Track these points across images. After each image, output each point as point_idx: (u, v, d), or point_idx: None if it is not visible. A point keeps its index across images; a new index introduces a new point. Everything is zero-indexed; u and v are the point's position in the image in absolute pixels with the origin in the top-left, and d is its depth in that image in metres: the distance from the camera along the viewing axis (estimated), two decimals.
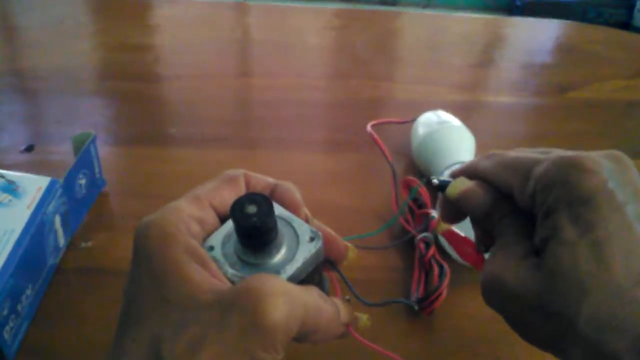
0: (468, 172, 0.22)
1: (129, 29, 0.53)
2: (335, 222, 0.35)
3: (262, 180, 0.19)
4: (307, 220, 0.19)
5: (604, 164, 0.18)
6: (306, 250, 0.17)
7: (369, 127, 0.36)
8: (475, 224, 0.23)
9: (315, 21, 0.58)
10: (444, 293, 0.26)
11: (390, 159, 0.33)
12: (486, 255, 0.24)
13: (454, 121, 0.35)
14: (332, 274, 0.20)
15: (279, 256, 0.17)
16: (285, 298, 0.15)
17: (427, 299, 0.26)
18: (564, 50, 0.56)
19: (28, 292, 0.26)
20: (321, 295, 0.17)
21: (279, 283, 0.15)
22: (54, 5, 0.56)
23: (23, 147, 0.37)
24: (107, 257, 0.30)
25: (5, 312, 0.24)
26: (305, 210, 0.19)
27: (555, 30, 0.59)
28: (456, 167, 0.23)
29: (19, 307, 0.25)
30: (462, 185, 0.21)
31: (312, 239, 0.18)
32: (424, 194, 0.31)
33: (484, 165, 0.21)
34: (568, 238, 0.17)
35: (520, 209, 0.20)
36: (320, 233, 0.18)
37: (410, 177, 0.32)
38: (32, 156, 0.37)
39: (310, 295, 0.17)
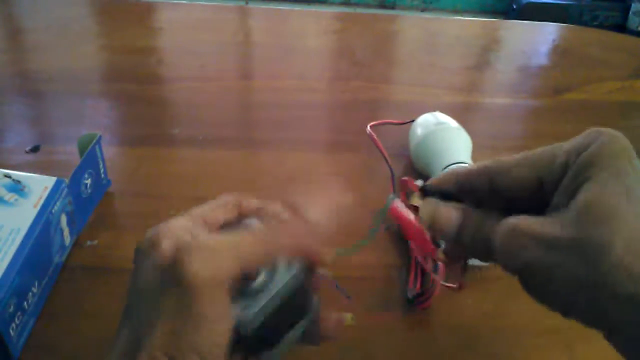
0: (478, 172, 0.22)
1: (133, 32, 0.54)
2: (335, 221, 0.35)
3: (252, 203, 0.21)
4: None
5: (628, 143, 0.19)
6: (284, 271, 0.19)
7: (368, 128, 0.36)
8: (450, 242, 0.22)
9: (315, 24, 0.59)
10: (437, 290, 0.27)
11: (389, 160, 0.34)
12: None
13: (452, 123, 0.36)
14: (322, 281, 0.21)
15: (260, 278, 0.19)
16: (200, 252, 0.17)
17: (422, 295, 0.27)
18: (560, 52, 0.57)
19: (34, 289, 0.26)
20: (258, 227, 0.19)
21: (194, 242, 0.18)
22: (59, 8, 0.57)
23: (29, 148, 0.38)
24: (112, 255, 0.30)
25: (11, 309, 0.24)
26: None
27: (551, 33, 0.60)
28: (459, 167, 0.23)
29: (25, 305, 0.25)
30: (431, 208, 0.22)
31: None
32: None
33: (505, 160, 0.22)
34: (603, 179, 0.18)
35: (495, 211, 0.20)
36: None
37: (407, 178, 0.33)
38: (38, 156, 0.37)
39: (238, 235, 0.19)
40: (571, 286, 0.17)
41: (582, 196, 0.18)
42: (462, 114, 0.45)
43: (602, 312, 0.17)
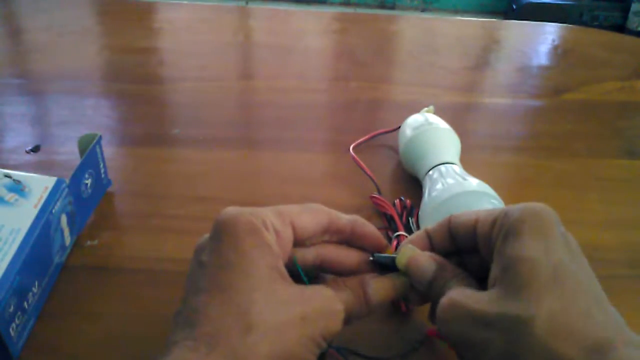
0: (436, 230, 0.23)
1: (134, 32, 0.54)
2: None
3: (343, 219, 0.22)
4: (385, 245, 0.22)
5: (556, 215, 0.20)
6: None
7: (350, 150, 0.36)
8: (419, 287, 0.23)
9: (315, 25, 0.59)
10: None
11: (373, 177, 0.34)
12: None
13: (441, 123, 0.35)
14: None
15: None
16: (342, 317, 0.20)
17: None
18: (560, 52, 0.57)
19: (34, 289, 0.26)
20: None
21: (340, 307, 0.20)
22: (59, 9, 0.57)
23: (29, 148, 0.38)
24: (112, 255, 0.30)
25: (11, 309, 0.24)
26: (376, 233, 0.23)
27: (550, 33, 0.60)
28: (413, 236, 0.24)
29: (25, 305, 0.25)
30: (411, 252, 0.22)
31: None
32: (392, 212, 0.31)
33: (458, 217, 0.23)
34: (532, 255, 0.18)
35: (462, 273, 0.21)
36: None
37: (376, 195, 0.33)
38: (38, 156, 0.37)
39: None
40: (497, 358, 0.18)
41: (511, 272, 0.19)
42: (461, 113, 0.45)
43: None
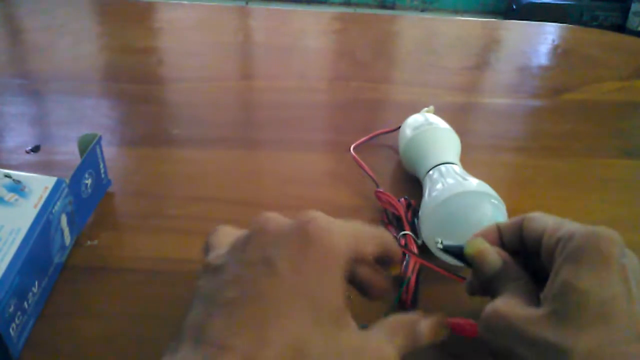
0: (506, 227, 0.23)
1: (133, 32, 0.54)
2: None
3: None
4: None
5: (621, 242, 0.20)
6: None
7: (351, 150, 0.36)
8: (479, 279, 0.24)
9: (315, 24, 0.59)
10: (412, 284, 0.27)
11: (374, 177, 0.34)
12: None
13: (441, 123, 0.36)
14: None
15: None
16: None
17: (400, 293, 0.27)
18: (560, 52, 0.57)
19: (34, 289, 0.26)
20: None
21: (393, 354, 0.18)
22: (59, 9, 0.57)
23: (29, 148, 0.38)
24: (112, 255, 0.30)
25: (11, 309, 0.24)
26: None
27: (550, 33, 0.60)
28: (485, 229, 0.24)
29: (25, 305, 0.25)
30: (481, 245, 0.23)
31: None
32: (399, 209, 0.31)
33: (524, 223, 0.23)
34: (583, 288, 0.19)
35: (524, 278, 0.22)
36: None
37: (381, 190, 0.33)
38: (38, 156, 0.37)
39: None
40: None
41: (559, 301, 0.19)
42: (461, 114, 0.45)
43: None
